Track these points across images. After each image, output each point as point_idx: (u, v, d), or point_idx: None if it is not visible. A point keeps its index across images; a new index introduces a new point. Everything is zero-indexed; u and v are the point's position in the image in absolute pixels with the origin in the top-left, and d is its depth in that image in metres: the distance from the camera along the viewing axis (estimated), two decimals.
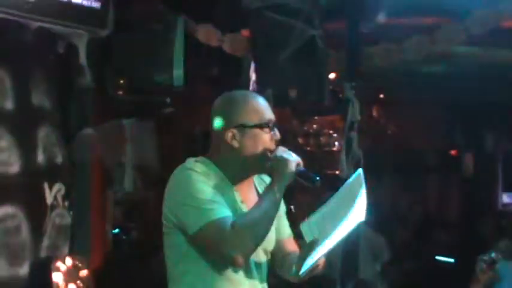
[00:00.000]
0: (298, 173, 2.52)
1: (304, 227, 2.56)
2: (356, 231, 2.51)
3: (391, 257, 6.27)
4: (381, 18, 5.47)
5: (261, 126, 2.55)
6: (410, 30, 5.60)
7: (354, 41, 5.62)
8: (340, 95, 5.59)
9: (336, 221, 2.48)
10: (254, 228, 2.42)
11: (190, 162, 2.56)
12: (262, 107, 2.59)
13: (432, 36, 5.38)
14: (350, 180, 2.56)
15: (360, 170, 2.53)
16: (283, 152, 2.54)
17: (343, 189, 2.56)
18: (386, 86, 7.83)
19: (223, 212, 2.45)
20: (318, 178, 2.51)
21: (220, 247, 2.40)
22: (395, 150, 8.86)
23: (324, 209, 2.54)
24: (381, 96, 8.64)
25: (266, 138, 2.56)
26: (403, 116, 8.82)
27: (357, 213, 2.47)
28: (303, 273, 2.53)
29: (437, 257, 8.08)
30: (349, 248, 5.21)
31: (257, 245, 2.47)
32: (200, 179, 2.48)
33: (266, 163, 2.54)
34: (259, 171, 2.63)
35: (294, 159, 2.52)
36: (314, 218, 2.55)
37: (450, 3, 5.18)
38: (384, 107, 8.93)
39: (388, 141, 8.91)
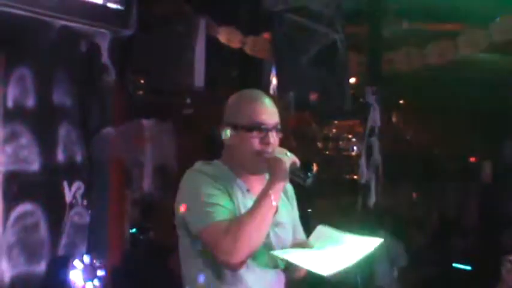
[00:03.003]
0: (292, 172, 2.44)
1: (318, 230, 2.57)
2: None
3: (408, 263, 6.24)
4: (404, 23, 5.46)
5: (248, 128, 2.48)
6: (432, 35, 5.58)
7: (376, 46, 5.60)
8: (361, 100, 5.57)
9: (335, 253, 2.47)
10: (248, 232, 2.34)
11: (199, 164, 2.55)
12: (256, 110, 2.50)
13: (455, 42, 5.35)
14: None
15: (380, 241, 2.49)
16: (279, 152, 2.46)
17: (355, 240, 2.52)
18: (407, 92, 7.80)
19: (224, 215, 2.40)
20: (309, 175, 2.43)
21: (215, 250, 2.37)
22: (414, 156, 8.82)
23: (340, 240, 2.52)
24: (401, 101, 8.62)
25: (253, 141, 2.48)
26: (423, 121, 8.79)
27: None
28: (278, 257, 2.48)
29: (454, 264, 8.04)
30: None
31: (253, 248, 2.39)
32: (206, 180, 2.45)
33: (261, 164, 2.47)
34: (254, 172, 2.53)
35: (288, 158, 2.43)
36: (328, 231, 2.56)
37: (473, 9, 5.16)
38: (403, 113, 8.90)
39: (407, 146, 8.87)
